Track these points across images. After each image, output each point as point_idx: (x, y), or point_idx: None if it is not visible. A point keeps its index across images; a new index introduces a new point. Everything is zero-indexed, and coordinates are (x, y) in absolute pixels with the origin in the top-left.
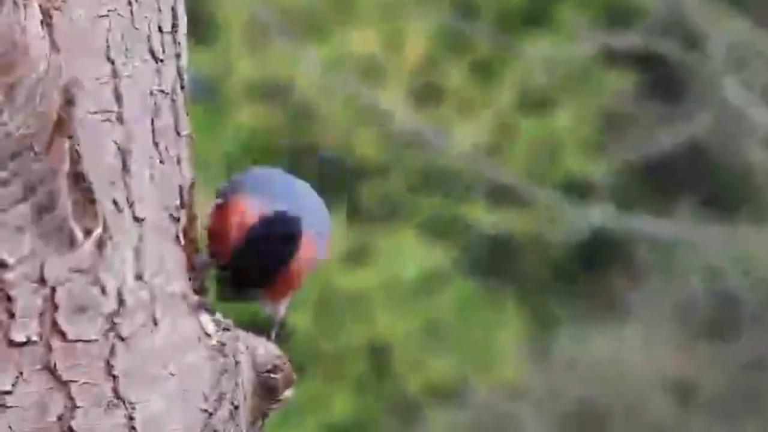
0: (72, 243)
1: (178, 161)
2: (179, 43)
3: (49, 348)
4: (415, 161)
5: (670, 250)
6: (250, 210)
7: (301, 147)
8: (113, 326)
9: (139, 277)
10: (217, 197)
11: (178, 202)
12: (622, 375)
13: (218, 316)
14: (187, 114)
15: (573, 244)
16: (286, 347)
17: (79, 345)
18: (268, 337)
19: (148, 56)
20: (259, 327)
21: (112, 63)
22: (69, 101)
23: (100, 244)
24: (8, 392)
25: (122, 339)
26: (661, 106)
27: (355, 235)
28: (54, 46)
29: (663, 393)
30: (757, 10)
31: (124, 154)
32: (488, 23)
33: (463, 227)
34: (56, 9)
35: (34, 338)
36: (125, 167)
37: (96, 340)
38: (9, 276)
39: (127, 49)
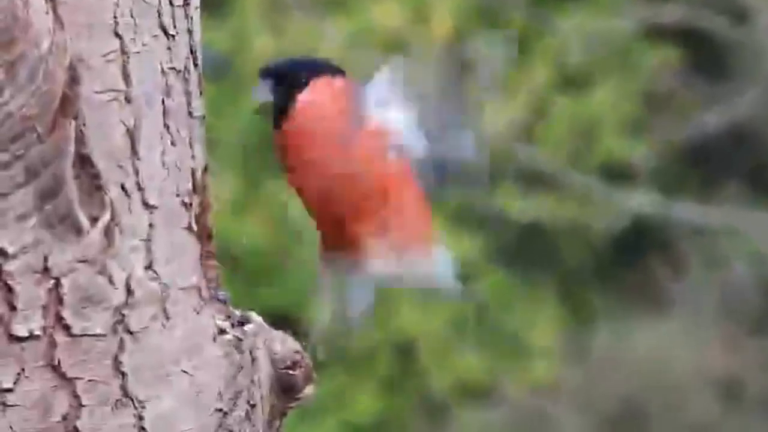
0: (77, 231)
1: (191, 143)
2: (191, 18)
3: (53, 343)
4: None
5: (715, 238)
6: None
7: None
8: (122, 320)
9: (149, 267)
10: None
11: (190, 187)
12: (663, 372)
13: (234, 308)
14: (201, 93)
15: (612, 232)
16: (305, 342)
17: (85, 340)
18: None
19: (158, 32)
20: (274, 319)
21: (120, 39)
22: (74, 80)
23: (108, 232)
24: (9, 390)
25: (131, 333)
26: (705, 85)
27: None
28: (58, 21)
29: (707, 391)
30: None
31: (132, 135)
32: None
33: (495, 214)
34: None
35: (37, 332)
36: (134, 150)
37: (103, 335)
38: (10, 266)
39: (136, 25)
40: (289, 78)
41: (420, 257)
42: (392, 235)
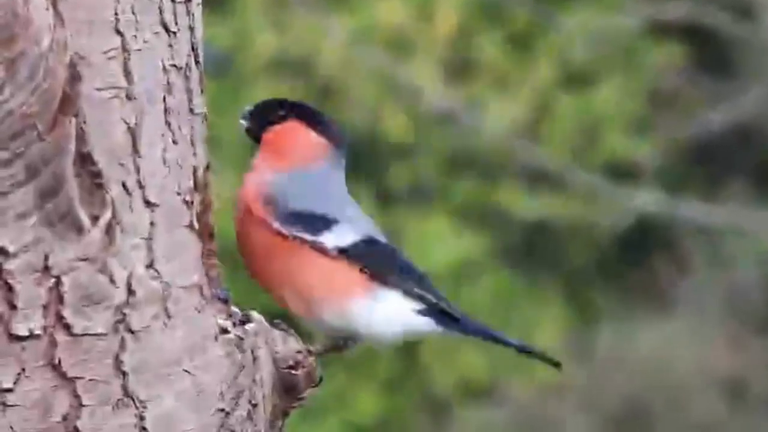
0: (78, 229)
1: (192, 141)
2: (193, 15)
3: (54, 342)
4: (446, 141)
5: (720, 237)
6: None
7: None
8: (123, 319)
9: (150, 265)
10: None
11: (191, 185)
12: (668, 371)
13: (235, 307)
14: (202, 91)
15: (616, 231)
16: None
17: (86, 339)
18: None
19: (159, 28)
20: (277, 317)
21: (121, 36)
22: (74, 77)
23: (109, 231)
24: (9, 390)
25: (132, 332)
26: (710, 83)
27: (381, 221)
28: (58, 18)
29: (712, 390)
30: None
31: (133, 133)
32: None
33: (499, 213)
34: None
35: (38, 332)
36: (135, 148)
37: (104, 334)
38: (10, 265)
39: (137, 21)
40: (269, 109)
41: (334, 314)
42: (294, 294)
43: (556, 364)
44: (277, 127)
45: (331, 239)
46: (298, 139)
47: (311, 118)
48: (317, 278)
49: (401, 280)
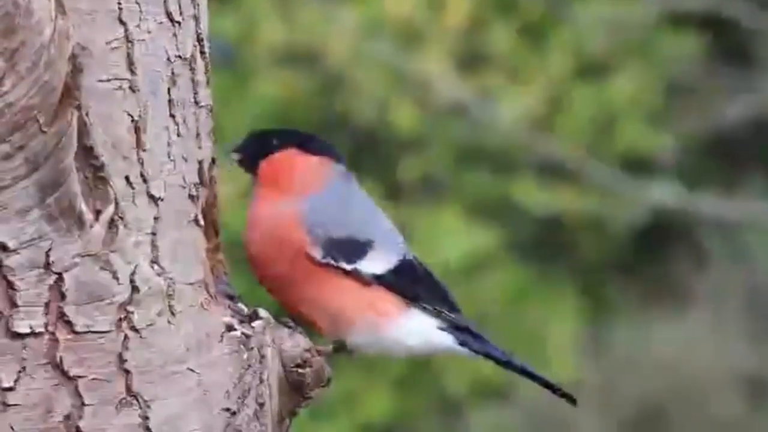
0: (80, 224)
1: (197, 135)
2: (198, 4)
3: (55, 340)
4: (458, 135)
5: (740, 232)
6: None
7: (333, 119)
8: (126, 316)
9: (154, 262)
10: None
11: (197, 180)
12: (686, 370)
13: (242, 304)
14: (208, 83)
15: (632, 226)
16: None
17: (89, 337)
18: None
19: (164, 18)
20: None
21: (125, 26)
22: (77, 68)
23: (112, 226)
24: (10, 389)
25: (136, 330)
26: (730, 74)
27: (391, 214)
28: (60, 8)
29: (732, 389)
30: None
31: (137, 126)
32: None
33: (512, 207)
34: None
35: (39, 329)
36: (139, 141)
37: (107, 332)
38: (11, 261)
39: (141, 11)
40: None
41: (364, 335)
42: (327, 318)
43: (573, 400)
44: (276, 156)
45: (366, 266)
46: (300, 165)
47: (305, 142)
48: (351, 303)
49: (431, 302)
